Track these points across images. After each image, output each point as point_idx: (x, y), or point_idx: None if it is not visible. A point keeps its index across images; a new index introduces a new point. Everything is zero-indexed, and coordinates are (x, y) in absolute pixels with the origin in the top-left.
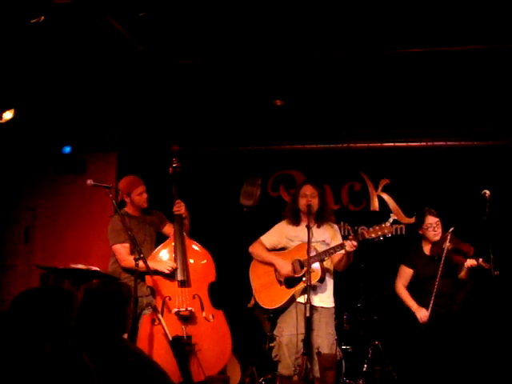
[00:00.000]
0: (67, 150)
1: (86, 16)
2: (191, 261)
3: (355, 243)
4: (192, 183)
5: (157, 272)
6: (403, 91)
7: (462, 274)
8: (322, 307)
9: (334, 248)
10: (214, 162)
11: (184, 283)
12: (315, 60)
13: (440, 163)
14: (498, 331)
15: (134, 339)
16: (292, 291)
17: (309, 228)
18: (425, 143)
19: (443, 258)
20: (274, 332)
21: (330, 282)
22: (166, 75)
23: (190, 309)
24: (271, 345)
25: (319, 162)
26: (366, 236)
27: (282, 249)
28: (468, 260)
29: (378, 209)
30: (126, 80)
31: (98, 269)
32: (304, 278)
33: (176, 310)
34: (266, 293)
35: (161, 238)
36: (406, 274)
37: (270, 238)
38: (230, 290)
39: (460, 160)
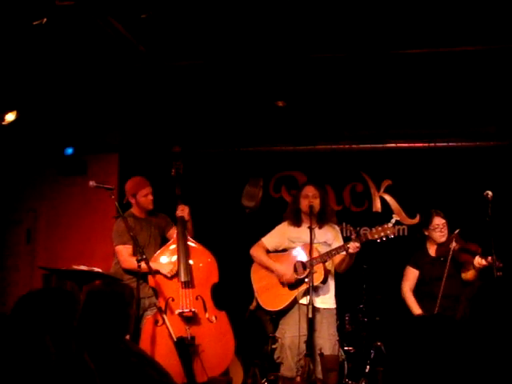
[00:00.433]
0: (69, 151)
1: (88, 17)
2: (194, 262)
3: (358, 245)
4: (194, 184)
5: (159, 272)
6: (404, 92)
7: (469, 275)
8: (324, 308)
9: (336, 249)
10: (215, 163)
11: (187, 284)
12: (317, 61)
13: (442, 164)
14: (502, 334)
15: (136, 340)
16: (294, 293)
17: (311, 229)
18: (427, 144)
19: (449, 259)
20: (277, 333)
21: (331, 283)
22: (167, 76)
23: (193, 310)
24: (273, 346)
25: (321, 162)
26: (369, 237)
27: (284, 250)
28: (477, 258)
29: (380, 210)
30: (128, 81)
31: (100, 270)
32: (307, 280)
33: (179, 310)
34: (269, 295)
35: (165, 240)
36: (412, 275)
37: (271, 240)
38: (233, 291)
39: (462, 161)
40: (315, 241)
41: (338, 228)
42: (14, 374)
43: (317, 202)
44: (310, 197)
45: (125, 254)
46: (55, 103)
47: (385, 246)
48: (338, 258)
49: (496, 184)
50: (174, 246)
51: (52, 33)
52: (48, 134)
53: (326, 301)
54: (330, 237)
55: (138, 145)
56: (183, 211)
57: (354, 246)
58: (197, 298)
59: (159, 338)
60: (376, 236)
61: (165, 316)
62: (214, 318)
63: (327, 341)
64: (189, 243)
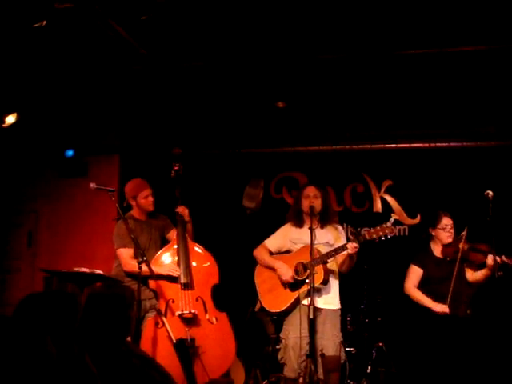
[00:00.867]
0: (70, 153)
1: (88, 20)
2: (194, 263)
3: (356, 245)
4: (194, 186)
5: (160, 276)
6: (405, 92)
7: (479, 275)
8: (326, 309)
9: (335, 250)
10: (216, 164)
11: (187, 286)
12: (317, 62)
13: (442, 164)
14: (505, 333)
15: (137, 342)
16: (296, 294)
17: (311, 230)
18: (427, 144)
19: (459, 259)
20: (281, 334)
21: (335, 284)
22: (168, 78)
23: (193, 311)
24: (277, 347)
25: (322, 163)
26: (368, 237)
27: (287, 252)
28: (489, 256)
29: (380, 210)
30: (128, 83)
31: (101, 272)
32: (307, 281)
33: (179, 312)
34: (271, 296)
35: (165, 242)
36: (416, 273)
37: (274, 242)
38: (234, 293)
39: (462, 161)
40: (317, 241)
41: (341, 228)
42: (15, 376)
43: (318, 203)
44: (310, 197)
45: (126, 257)
46: (56, 105)
47: (386, 246)
48: (340, 259)
49: (496, 184)
50: (174, 248)
51: (52, 35)
52: (49, 135)
53: (329, 301)
54: (331, 237)
55: (138, 146)
56: (183, 212)
57: (352, 247)
58: (197, 300)
59: (160, 340)
60: (374, 236)
61: (164, 318)
62: (214, 320)
63: (331, 341)
64: (189, 245)
